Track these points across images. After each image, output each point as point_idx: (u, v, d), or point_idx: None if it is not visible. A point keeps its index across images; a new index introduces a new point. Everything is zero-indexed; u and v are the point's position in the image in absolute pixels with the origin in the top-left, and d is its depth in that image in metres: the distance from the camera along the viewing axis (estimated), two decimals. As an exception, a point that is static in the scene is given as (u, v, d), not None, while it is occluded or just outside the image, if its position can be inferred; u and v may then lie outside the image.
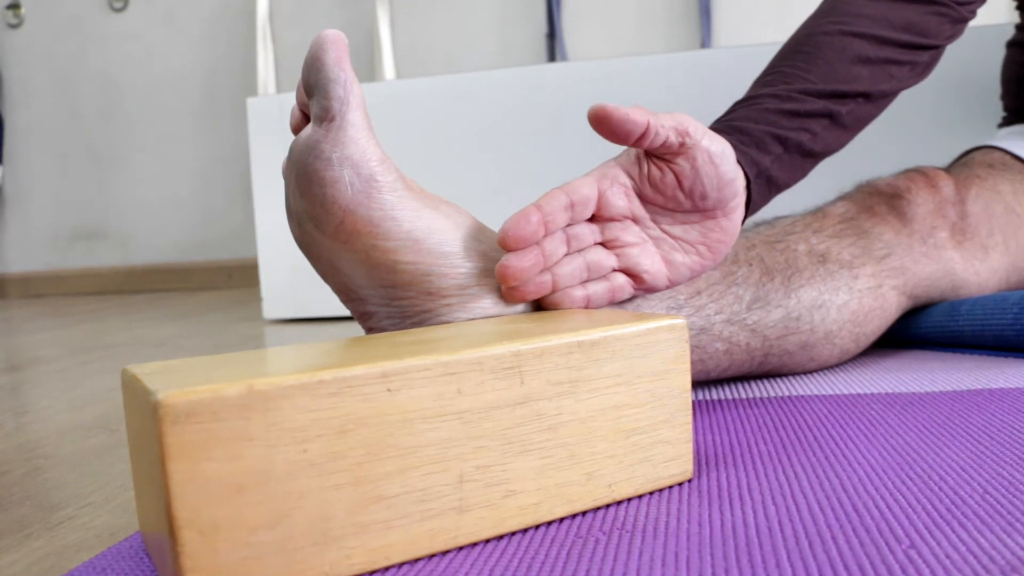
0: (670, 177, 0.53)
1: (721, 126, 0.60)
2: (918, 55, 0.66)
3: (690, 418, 0.44)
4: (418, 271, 0.47)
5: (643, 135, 0.50)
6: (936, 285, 0.71)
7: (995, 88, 1.04)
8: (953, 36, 0.68)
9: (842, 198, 0.72)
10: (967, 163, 0.80)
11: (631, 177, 0.53)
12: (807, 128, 0.61)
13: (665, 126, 0.50)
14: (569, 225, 0.51)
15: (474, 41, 2.11)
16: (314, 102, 0.46)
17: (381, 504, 0.35)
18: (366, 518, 0.35)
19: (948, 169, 0.79)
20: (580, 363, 0.40)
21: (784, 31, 1.93)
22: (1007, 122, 0.94)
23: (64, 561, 0.41)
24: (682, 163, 0.52)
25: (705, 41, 1.96)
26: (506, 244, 0.48)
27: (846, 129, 0.64)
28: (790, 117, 0.61)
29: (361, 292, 0.49)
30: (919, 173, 0.73)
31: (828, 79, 0.63)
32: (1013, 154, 0.81)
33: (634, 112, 0.49)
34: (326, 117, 0.45)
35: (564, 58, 2.03)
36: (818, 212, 0.70)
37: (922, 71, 0.68)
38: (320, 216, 0.46)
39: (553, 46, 2.05)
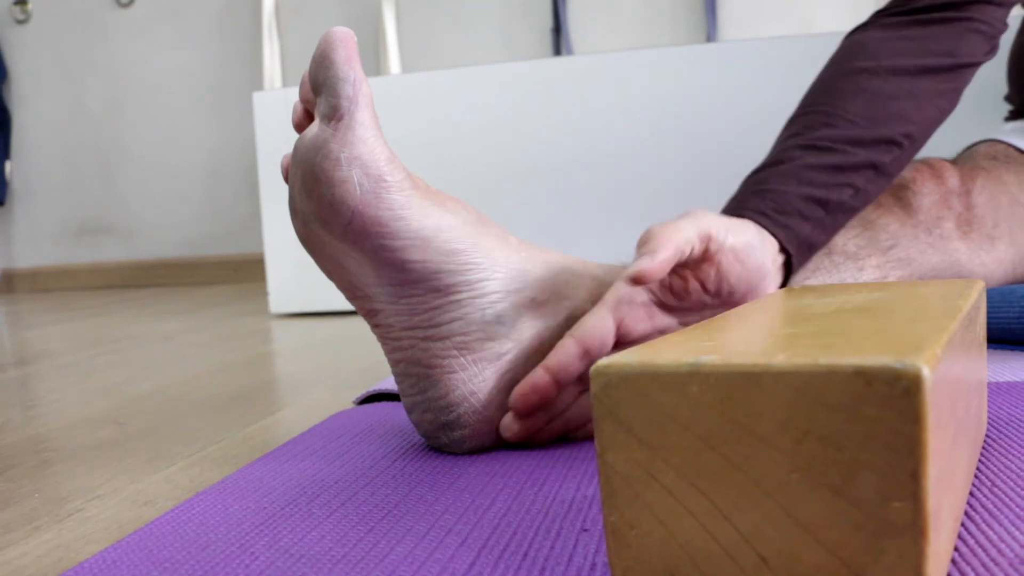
0: (694, 284, 0.49)
1: (754, 189, 0.55)
2: (961, 78, 0.61)
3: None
4: (427, 269, 0.46)
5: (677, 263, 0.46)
6: (942, 276, 0.71)
7: (1001, 83, 1.04)
8: (991, 52, 0.64)
9: None
10: (971, 155, 0.80)
11: (651, 291, 0.49)
12: (850, 183, 0.56)
13: (690, 240, 0.45)
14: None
15: (479, 35, 2.11)
16: (322, 100, 0.45)
17: None
18: None
19: (953, 161, 0.79)
20: None
21: (789, 25, 1.93)
22: (1013, 116, 0.94)
23: (73, 553, 0.42)
24: (706, 268, 0.49)
25: (711, 35, 1.95)
26: (515, 412, 0.47)
27: (889, 177, 0.59)
28: (832, 172, 0.55)
29: (367, 290, 0.49)
30: (924, 164, 0.73)
31: (871, 121, 0.57)
32: (1017, 148, 0.81)
33: (664, 251, 0.44)
34: (334, 116, 0.44)
35: (569, 52, 2.03)
36: None
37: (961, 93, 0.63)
38: (328, 216, 0.45)
39: (558, 40, 2.04)
